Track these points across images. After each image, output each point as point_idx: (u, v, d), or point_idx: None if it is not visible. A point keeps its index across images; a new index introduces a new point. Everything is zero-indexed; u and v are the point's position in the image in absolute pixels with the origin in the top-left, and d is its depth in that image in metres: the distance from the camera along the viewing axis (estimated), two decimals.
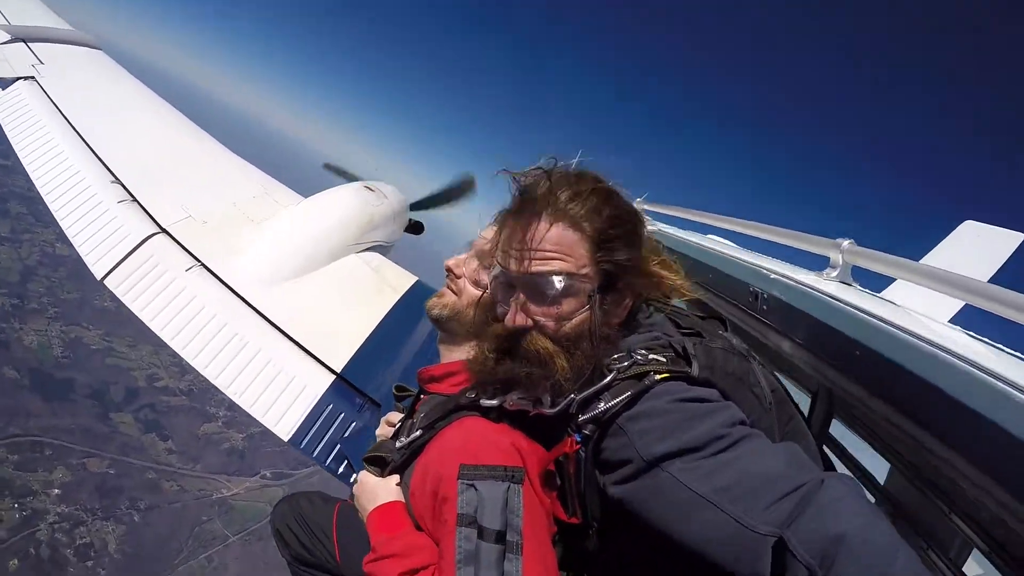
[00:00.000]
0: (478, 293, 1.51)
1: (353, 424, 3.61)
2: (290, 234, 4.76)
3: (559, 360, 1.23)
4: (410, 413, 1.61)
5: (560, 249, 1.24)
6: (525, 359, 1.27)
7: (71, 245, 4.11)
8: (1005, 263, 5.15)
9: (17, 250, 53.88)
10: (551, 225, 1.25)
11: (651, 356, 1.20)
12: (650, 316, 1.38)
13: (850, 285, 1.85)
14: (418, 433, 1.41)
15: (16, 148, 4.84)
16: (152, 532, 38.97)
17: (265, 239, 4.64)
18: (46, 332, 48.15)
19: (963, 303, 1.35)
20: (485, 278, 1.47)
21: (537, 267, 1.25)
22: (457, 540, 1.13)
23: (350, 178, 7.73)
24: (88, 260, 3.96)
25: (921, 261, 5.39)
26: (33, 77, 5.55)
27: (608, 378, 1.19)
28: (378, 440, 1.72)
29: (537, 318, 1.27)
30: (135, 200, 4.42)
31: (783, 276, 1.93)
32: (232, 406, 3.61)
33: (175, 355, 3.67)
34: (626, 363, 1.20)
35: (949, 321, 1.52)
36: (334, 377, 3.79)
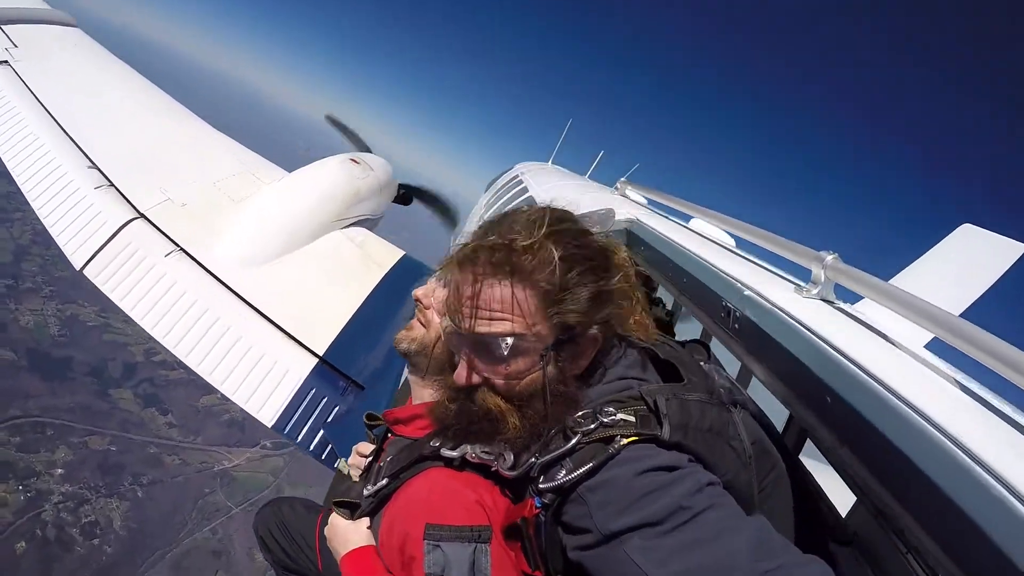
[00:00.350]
0: None
1: (336, 408, 3.65)
2: (271, 213, 4.73)
3: (511, 418, 1.19)
4: (377, 454, 1.58)
5: (508, 308, 1.15)
6: (479, 414, 1.22)
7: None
8: (1004, 275, 4.92)
9: (9, 230, 53.46)
10: (500, 282, 1.15)
11: (619, 416, 1.14)
12: (623, 354, 1.32)
13: (831, 303, 1.78)
14: (384, 482, 1.38)
15: None
16: (156, 507, 39.42)
17: (245, 219, 4.61)
18: (42, 311, 48.11)
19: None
20: None
21: (483, 327, 1.16)
22: None
23: (351, 135, 7.65)
24: (67, 250, 3.95)
25: (915, 264, 5.27)
26: (7, 62, 5.46)
27: (572, 441, 1.13)
28: (350, 470, 1.72)
29: (486, 376, 1.21)
30: (112, 185, 4.37)
31: (757, 294, 1.83)
32: None
33: None
34: (592, 425, 1.14)
35: (926, 346, 1.48)
36: (317, 360, 3.81)
